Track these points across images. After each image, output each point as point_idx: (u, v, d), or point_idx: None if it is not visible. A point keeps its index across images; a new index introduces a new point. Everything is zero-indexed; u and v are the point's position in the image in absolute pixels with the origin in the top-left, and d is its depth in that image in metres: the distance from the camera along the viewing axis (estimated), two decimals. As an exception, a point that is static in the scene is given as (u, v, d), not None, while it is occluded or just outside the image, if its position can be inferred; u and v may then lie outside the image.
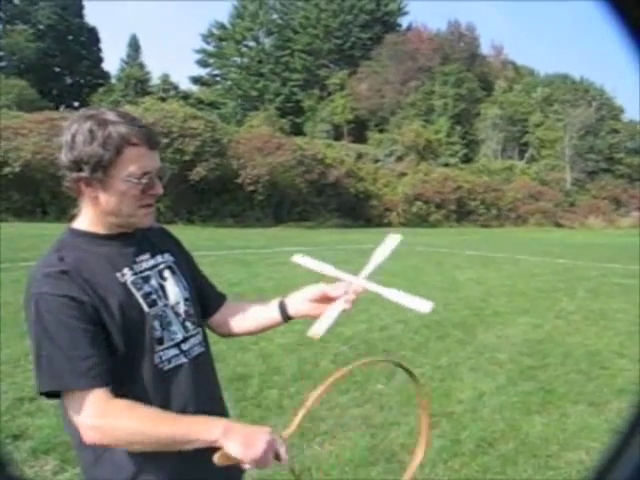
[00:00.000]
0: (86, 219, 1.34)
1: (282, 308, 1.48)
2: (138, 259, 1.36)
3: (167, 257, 1.44)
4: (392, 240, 1.45)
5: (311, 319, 1.44)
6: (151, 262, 1.38)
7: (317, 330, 1.30)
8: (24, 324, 1.27)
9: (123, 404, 1.21)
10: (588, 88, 50.64)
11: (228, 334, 1.59)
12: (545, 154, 46.96)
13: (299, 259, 1.49)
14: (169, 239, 1.54)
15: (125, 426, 1.18)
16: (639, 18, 0.65)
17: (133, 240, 1.37)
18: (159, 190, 1.31)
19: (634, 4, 0.66)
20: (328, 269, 1.44)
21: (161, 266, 1.40)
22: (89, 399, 1.20)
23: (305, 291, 1.45)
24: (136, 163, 1.26)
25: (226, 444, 1.14)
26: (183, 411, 1.31)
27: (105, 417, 1.19)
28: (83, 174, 1.25)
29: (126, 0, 75.90)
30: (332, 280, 1.43)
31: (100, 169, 1.24)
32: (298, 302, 1.46)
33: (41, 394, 1.23)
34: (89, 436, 1.20)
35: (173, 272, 1.42)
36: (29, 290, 1.24)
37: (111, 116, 1.26)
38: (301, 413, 1.20)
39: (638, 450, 0.72)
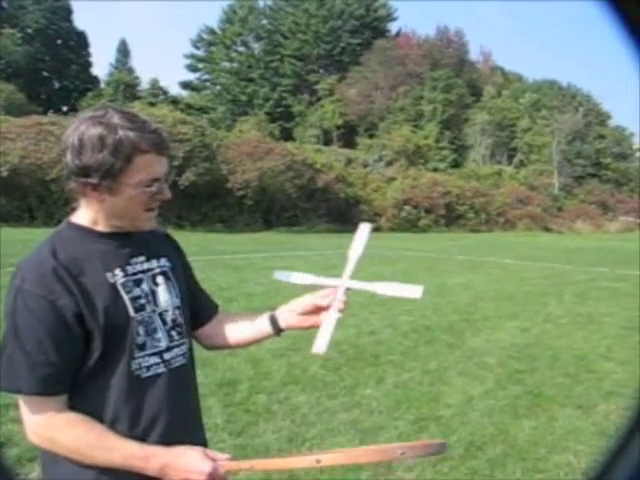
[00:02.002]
0: (86, 215, 1.30)
1: (273, 322, 1.47)
2: (132, 261, 1.32)
3: (163, 262, 1.40)
4: (363, 230, 1.45)
5: (304, 331, 1.47)
6: (145, 265, 1.35)
7: (319, 347, 1.33)
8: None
9: (67, 420, 1.22)
10: (575, 94, 51.12)
11: (216, 346, 1.57)
12: (533, 159, 47.26)
13: (280, 275, 1.49)
14: (170, 245, 1.51)
15: (63, 443, 1.21)
16: (639, 18, 0.66)
17: (130, 241, 1.33)
18: (167, 195, 1.30)
19: (634, 4, 0.66)
20: (311, 278, 1.44)
21: (155, 271, 1.37)
22: (39, 407, 1.21)
23: (294, 304, 1.44)
24: (146, 170, 1.23)
25: None
26: (154, 422, 1.29)
27: (47, 429, 1.21)
28: (91, 180, 1.21)
29: (116, 2, 75.46)
30: (317, 288, 1.43)
31: (109, 177, 1.21)
32: (289, 316, 1.46)
33: None
34: (31, 438, 1.24)
35: (167, 278, 1.39)
36: (14, 279, 1.22)
37: (120, 120, 1.21)
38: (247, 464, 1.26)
39: (638, 450, 0.72)
